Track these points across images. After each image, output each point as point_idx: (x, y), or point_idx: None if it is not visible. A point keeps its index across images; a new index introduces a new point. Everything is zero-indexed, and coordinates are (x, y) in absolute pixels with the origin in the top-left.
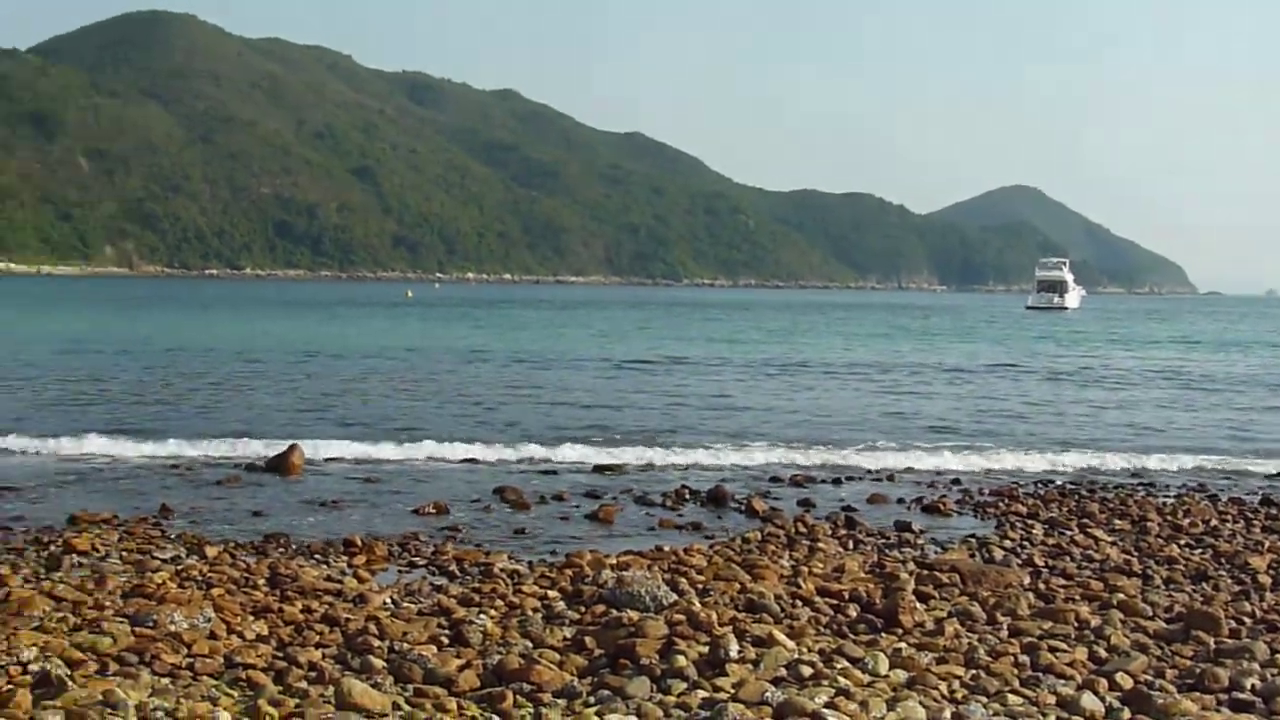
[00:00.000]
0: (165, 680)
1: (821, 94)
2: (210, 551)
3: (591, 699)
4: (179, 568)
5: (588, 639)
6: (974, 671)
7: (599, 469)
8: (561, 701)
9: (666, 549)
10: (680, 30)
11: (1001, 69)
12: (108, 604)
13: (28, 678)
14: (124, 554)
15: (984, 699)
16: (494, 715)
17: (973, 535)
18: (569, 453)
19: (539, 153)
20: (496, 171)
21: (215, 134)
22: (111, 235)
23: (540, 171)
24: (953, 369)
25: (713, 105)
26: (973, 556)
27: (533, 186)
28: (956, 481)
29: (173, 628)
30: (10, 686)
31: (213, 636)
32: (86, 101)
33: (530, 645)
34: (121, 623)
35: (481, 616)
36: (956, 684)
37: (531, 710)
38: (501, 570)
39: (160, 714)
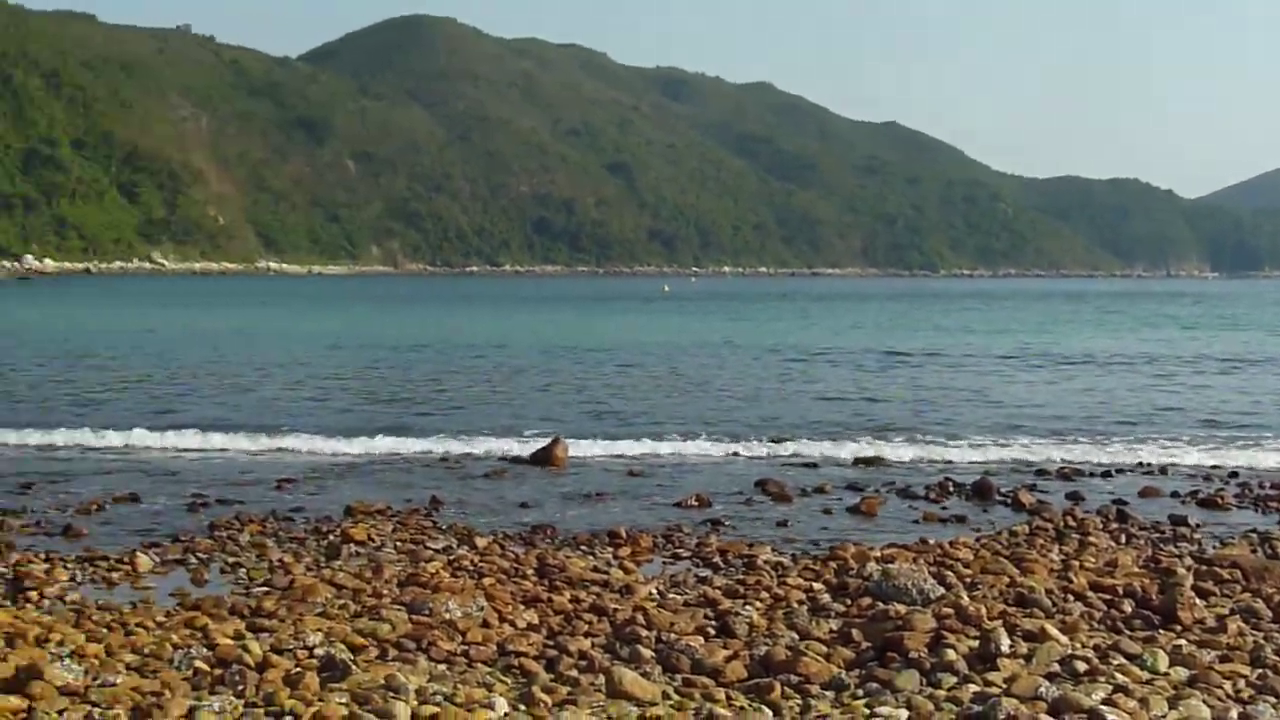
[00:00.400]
0: (442, 666)
1: (1083, 77)
2: (480, 542)
3: (860, 691)
4: (451, 557)
5: (854, 631)
6: (1260, 671)
7: (859, 462)
8: (830, 693)
9: (931, 542)
10: (938, 18)
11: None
12: (385, 592)
13: (314, 661)
14: (398, 544)
15: (1273, 699)
16: (763, 706)
17: (1254, 530)
18: (829, 446)
19: (794, 145)
20: (751, 164)
21: (474, 133)
22: (377, 235)
23: (795, 164)
24: (1226, 359)
25: (971, 93)
26: (1255, 552)
27: (788, 179)
28: (1234, 475)
29: (447, 616)
30: (299, 669)
31: (485, 625)
32: (354, 106)
33: (796, 637)
34: (399, 610)
35: (747, 608)
36: (1242, 683)
37: (800, 702)
38: (765, 562)
39: (439, 699)
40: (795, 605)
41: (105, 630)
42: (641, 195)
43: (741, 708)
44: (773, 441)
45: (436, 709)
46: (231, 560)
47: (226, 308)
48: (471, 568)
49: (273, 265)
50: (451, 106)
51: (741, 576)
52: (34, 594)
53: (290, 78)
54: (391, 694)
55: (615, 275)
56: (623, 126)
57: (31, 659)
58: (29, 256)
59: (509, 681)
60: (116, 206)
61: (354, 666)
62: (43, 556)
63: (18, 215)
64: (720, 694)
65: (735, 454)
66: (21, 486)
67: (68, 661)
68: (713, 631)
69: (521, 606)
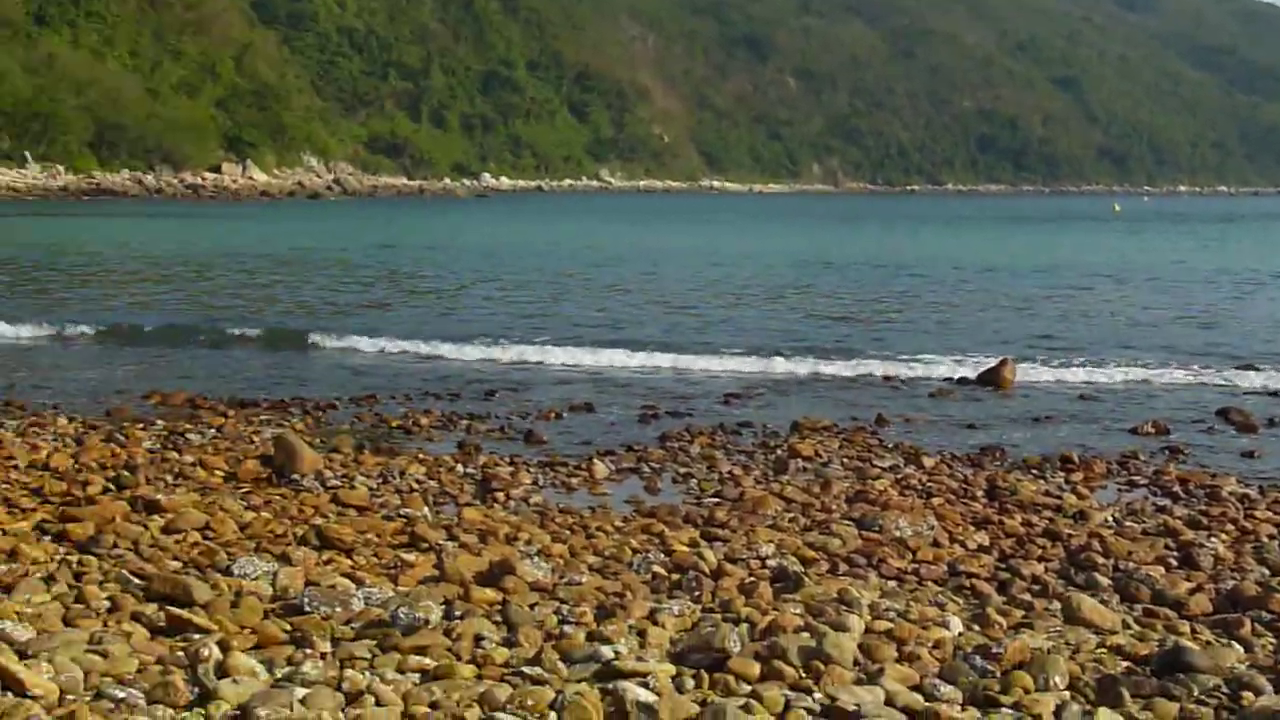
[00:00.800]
0: (892, 583)
1: None
2: (927, 461)
3: None
4: (898, 476)
5: None
6: None
7: None
8: None
9: None
10: None
11: None
12: (834, 507)
13: (766, 572)
14: (844, 460)
15: None
16: (1232, 642)
17: None
18: None
19: (1261, 55)
20: (1213, 77)
21: (916, 48)
22: (818, 153)
23: (1264, 75)
24: None
25: None
26: None
27: (1254, 92)
28: None
29: (897, 533)
30: (753, 579)
31: (935, 544)
32: (796, 22)
33: (1268, 573)
34: (848, 525)
35: (1212, 540)
36: None
37: (1273, 640)
38: (1230, 493)
39: (892, 614)
40: (1265, 540)
41: (568, 532)
42: (1091, 110)
43: (1207, 642)
44: (1234, 368)
45: (890, 624)
46: (683, 471)
47: (669, 224)
48: (919, 487)
49: (714, 183)
50: (894, 21)
51: (1204, 507)
52: (500, 495)
53: None
54: (845, 607)
55: (1062, 194)
56: (1072, 38)
57: (504, 555)
58: (486, 175)
59: (960, 602)
60: (567, 126)
61: (806, 579)
62: (507, 460)
63: (477, 135)
64: (1184, 626)
65: (1193, 380)
66: (486, 394)
67: (536, 559)
68: (1174, 562)
69: (972, 528)
